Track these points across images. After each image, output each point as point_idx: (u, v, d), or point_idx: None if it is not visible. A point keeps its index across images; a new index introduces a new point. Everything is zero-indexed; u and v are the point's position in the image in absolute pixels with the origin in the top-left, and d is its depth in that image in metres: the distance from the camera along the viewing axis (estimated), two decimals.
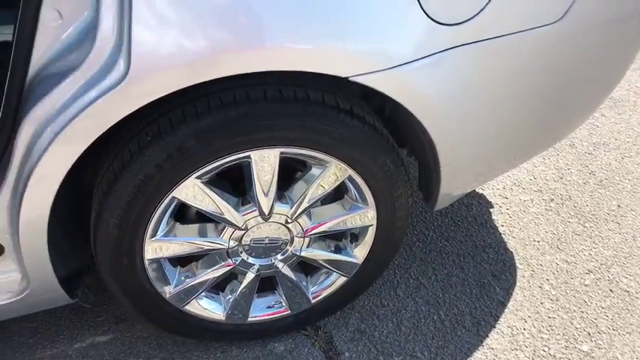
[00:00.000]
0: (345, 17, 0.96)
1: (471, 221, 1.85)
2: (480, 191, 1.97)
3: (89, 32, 0.92)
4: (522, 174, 2.06)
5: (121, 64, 0.88)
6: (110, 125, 0.93)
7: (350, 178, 1.18)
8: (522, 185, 2.01)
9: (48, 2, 0.92)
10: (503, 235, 1.81)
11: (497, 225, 1.84)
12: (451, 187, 1.33)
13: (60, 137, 0.93)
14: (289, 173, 1.23)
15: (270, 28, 0.92)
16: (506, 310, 1.58)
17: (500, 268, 1.70)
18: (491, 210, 1.90)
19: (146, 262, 1.16)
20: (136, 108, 0.92)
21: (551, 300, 1.61)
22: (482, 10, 1.03)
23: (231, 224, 1.17)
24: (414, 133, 1.20)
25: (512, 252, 1.75)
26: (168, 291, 1.23)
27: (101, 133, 0.94)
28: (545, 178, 2.05)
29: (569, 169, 2.10)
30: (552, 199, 1.96)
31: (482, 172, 1.41)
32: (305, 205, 1.19)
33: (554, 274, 1.69)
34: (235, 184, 1.19)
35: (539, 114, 1.31)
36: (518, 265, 1.71)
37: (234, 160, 1.06)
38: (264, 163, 1.08)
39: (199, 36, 0.89)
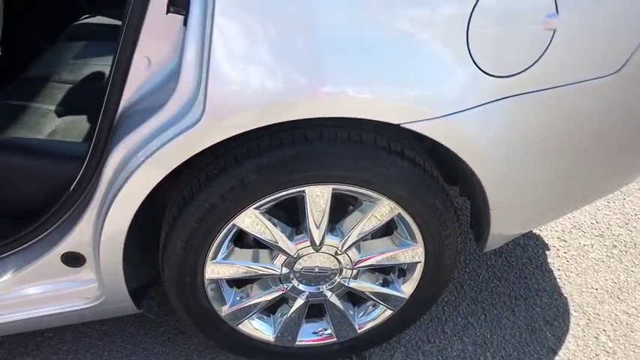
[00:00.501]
0: (401, 69, 1.03)
1: (526, 263, 1.83)
2: (537, 232, 1.94)
3: (172, 77, 1.05)
4: (584, 217, 2.01)
5: (197, 108, 1.00)
6: (185, 159, 1.05)
7: (399, 216, 1.23)
8: (583, 229, 1.96)
9: (140, 50, 1.06)
10: (558, 280, 1.77)
11: (552, 268, 1.81)
12: (501, 229, 1.35)
13: (143, 166, 1.06)
14: (342, 206, 1.29)
15: (334, 79, 1.02)
16: (557, 358, 1.54)
17: (553, 313, 1.66)
18: (547, 252, 1.86)
19: (206, 282, 1.26)
20: (207, 146, 1.04)
21: (608, 353, 1.56)
22: (533, 64, 1.07)
23: (285, 252, 1.25)
24: (465, 174, 1.23)
25: (567, 298, 1.71)
26: (224, 310, 1.32)
27: (177, 165, 1.06)
28: (608, 223, 1.98)
29: (636, 214, 2.02)
30: (615, 246, 1.89)
31: (535, 216, 1.41)
32: (354, 238, 1.25)
33: (612, 325, 1.63)
34: (290, 214, 1.28)
35: (594, 160, 1.30)
36: (573, 312, 1.67)
37: (290, 193, 1.15)
38: (318, 198, 1.16)
39: (266, 87, 1.00)
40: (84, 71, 1.81)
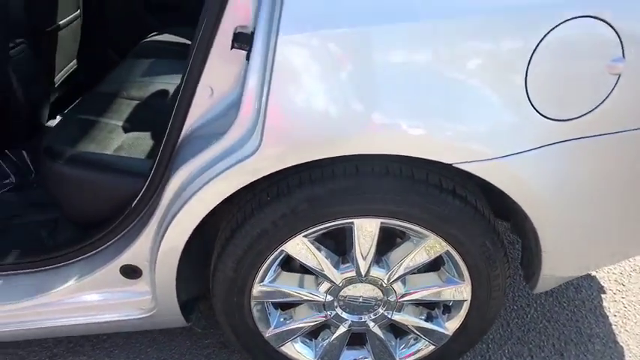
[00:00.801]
0: (456, 109, 1.04)
1: (579, 305, 1.75)
2: (593, 273, 1.86)
3: (233, 107, 1.10)
4: None
5: (255, 139, 1.04)
6: (241, 186, 1.09)
7: (447, 253, 1.22)
8: None
9: (204, 80, 1.12)
10: (614, 327, 1.68)
11: (608, 314, 1.72)
12: (554, 271, 1.31)
13: (201, 191, 1.11)
14: (389, 237, 1.30)
15: (389, 117, 1.03)
16: None
17: None
18: (603, 296, 1.78)
19: (252, 303, 1.30)
20: (263, 175, 1.08)
21: None
22: (595, 108, 1.04)
23: (330, 280, 1.27)
24: (517, 213, 1.21)
25: (623, 347, 1.62)
26: (268, 331, 1.35)
27: (233, 191, 1.10)
28: None
29: None
30: None
31: (592, 261, 1.36)
32: (400, 272, 1.25)
33: None
34: (338, 242, 1.30)
35: None
36: None
37: (339, 224, 1.17)
38: (365, 231, 1.17)
39: (321, 123, 1.03)
40: (150, 88, 1.92)
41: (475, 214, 1.16)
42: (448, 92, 1.04)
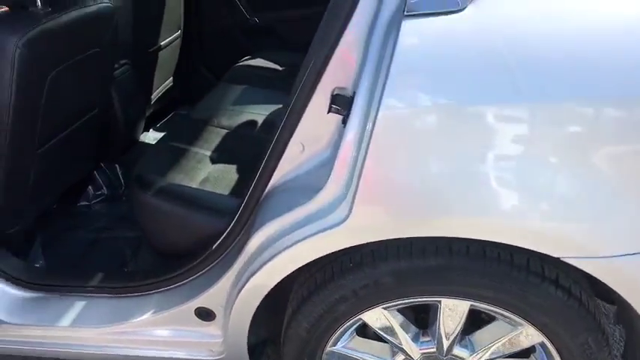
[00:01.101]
0: (567, 200, 0.93)
1: None
2: None
3: (322, 168, 1.06)
4: None
5: (344, 209, 0.99)
6: (325, 254, 1.05)
7: (542, 344, 1.10)
8: None
9: (296, 136, 1.09)
10: None
11: None
12: None
13: (285, 252, 1.08)
14: (475, 313, 1.20)
15: (494, 202, 0.95)
16: None
17: None
18: None
19: None
20: (350, 245, 1.02)
21: None
22: None
23: (406, 354, 1.19)
24: (624, 304, 1.07)
25: None
26: None
27: (319, 256, 1.06)
28: None
29: None
30: None
31: None
32: (486, 357, 1.15)
33: None
34: (419, 311, 1.22)
35: None
36: None
37: (424, 301, 1.09)
38: (452, 311, 1.09)
39: (415, 202, 0.97)
40: (239, 118, 1.93)
41: (579, 308, 1.04)
42: (559, 180, 0.92)
